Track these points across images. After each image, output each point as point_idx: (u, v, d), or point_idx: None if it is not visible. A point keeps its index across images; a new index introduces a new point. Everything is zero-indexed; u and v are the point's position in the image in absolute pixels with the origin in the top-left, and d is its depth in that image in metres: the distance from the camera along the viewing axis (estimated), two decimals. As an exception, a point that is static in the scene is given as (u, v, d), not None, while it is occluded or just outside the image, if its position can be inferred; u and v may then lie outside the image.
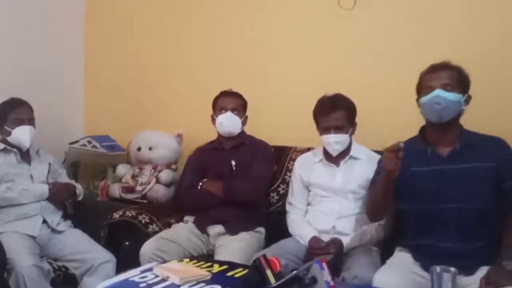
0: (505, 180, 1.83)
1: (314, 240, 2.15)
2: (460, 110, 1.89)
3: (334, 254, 2.07)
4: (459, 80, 1.88)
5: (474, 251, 1.81)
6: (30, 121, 2.52)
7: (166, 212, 2.65)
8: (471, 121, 1.98)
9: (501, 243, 1.79)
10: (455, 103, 1.86)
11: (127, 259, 2.32)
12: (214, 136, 2.64)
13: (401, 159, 1.77)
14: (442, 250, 1.83)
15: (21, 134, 2.48)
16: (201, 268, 1.84)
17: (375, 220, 2.11)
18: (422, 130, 1.99)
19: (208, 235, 2.42)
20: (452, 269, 1.51)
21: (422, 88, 1.92)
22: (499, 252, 1.77)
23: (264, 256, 1.65)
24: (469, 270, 1.77)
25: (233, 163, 2.51)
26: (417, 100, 1.95)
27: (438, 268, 1.52)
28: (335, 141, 2.20)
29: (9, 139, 2.50)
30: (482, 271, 1.75)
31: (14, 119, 2.48)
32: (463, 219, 1.83)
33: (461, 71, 1.90)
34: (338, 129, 2.19)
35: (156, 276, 1.75)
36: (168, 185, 2.91)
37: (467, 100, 1.90)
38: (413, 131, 2.03)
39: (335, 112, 2.18)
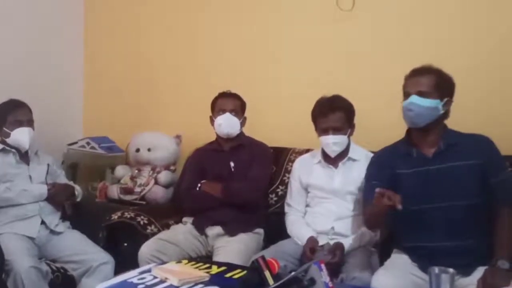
0: (492, 176, 1.86)
1: (310, 240, 2.14)
2: (437, 115, 1.89)
3: (338, 259, 2.04)
4: (438, 85, 1.88)
5: (467, 248, 1.82)
6: (29, 123, 2.52)
7: (164, 214, 2.64)
8: (472, 123, 1.98)
9: (495, 241, 1.80)
10: (430, 109, 1.87)
11: (125, 260, 2.31)
12: (212, 138, 2.63)
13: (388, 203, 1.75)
14: (435, 249, 1.84)
15: (20, 136, 2.48)
16: (200, 269, 1.84)
17: (375, 230, 2.14)
18: (408, 132, 2.01)
19: (206, 236, 2.42)
20: (450, 270, 1.51)
21: (403, 92, 1.95)
22: (492, 250, 1.78)
23: (263, 257, 1.65)
24: (465, 270, 1.77)
25: (232, 164, 2.51)
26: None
27: (436, 269, 1.52)
28: (333, 142, 2.20)
29: (8, 140, 2.49)
30: (479, 271, 1.75)
31: (13, 121, 2.47)
32: (453, 217, 1.85)
33: (441, 75, 1.90)
34: (337, 130, 2.19)
35: (155, 277, 1.75)
36: (167, 186, 2.91)
37: (447, 104, 1.90)
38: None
39: (333, 114, 2.18)
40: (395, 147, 2.04)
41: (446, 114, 1.93)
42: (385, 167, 2.00)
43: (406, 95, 1.91)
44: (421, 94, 1.86)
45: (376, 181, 1.97)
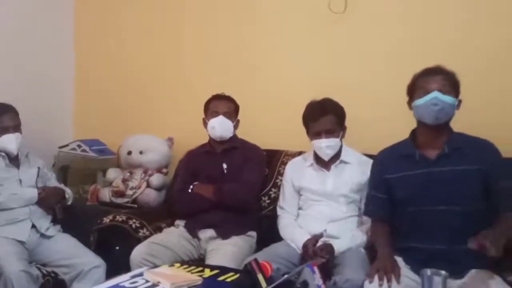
0: (495, 183, 1.84)
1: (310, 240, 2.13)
2: (453, 113, 1.90)
3: (326, 259, 2.05)
4: (452, 85, 1.89)
5: (463, 253, 1.79)
6: (16, 128, 2.48)
7: (157, 217, 2.64)
8: (475, 126, 1.96)
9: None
10: (451, 106, 1.87)
11: (117, 264, 2.29)
12: (205, 140, 2.63)
13: None
14: (432, 252, 1.83)
15: (7, 143, 2.45)
16: (192, 272, 1.83)
17: None
18: (413, 133, 1.99)
19: (199, 239, 2.41)
20: (443, 272, 1.52)
21: (416, 90, 1.92)
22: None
23: (256, 260, 1.65)
24: (458, 272, 1.77)
25: (225, 166, 2.51)
26: (409, 102, 1.95)
27: (428, 271, 1.53)
28: (326, 146, 2.20)
29: (-5, 146, 2.46)
30: (471, 274, 1.76)
31: None
32: (451, 222, 1.84)
33: (453, 76, 1.91)
34: (329, 133, 2.19)
35: (147, 281, 1.74)
36: (159, 189, 2.90)
37: (458, 105, 1.91)
38: (403, 135, 2.02)
39: (324, 117, 2.18)
40: (397, 147, 2.02)
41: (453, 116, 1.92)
42: (384, 174, 2.00)
43: (425, 91, 1.87)
44: (442, 90, 1.85)
45: (379, 193, 2.01)
